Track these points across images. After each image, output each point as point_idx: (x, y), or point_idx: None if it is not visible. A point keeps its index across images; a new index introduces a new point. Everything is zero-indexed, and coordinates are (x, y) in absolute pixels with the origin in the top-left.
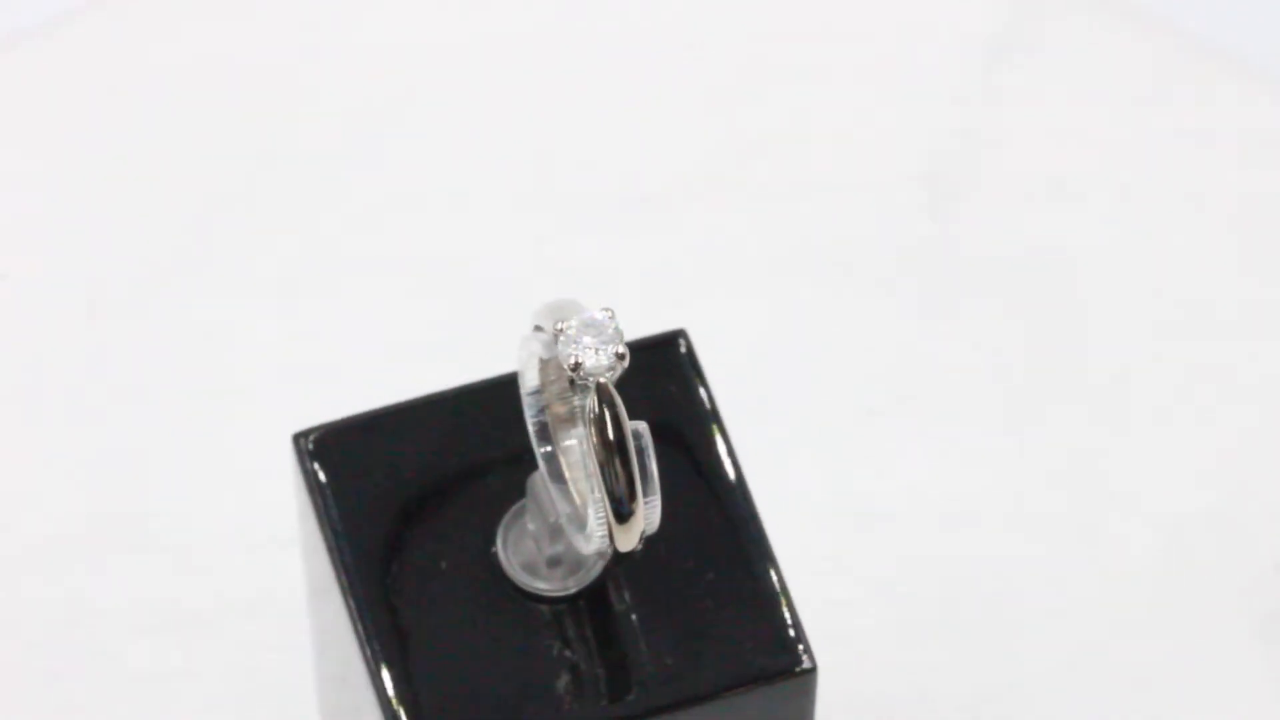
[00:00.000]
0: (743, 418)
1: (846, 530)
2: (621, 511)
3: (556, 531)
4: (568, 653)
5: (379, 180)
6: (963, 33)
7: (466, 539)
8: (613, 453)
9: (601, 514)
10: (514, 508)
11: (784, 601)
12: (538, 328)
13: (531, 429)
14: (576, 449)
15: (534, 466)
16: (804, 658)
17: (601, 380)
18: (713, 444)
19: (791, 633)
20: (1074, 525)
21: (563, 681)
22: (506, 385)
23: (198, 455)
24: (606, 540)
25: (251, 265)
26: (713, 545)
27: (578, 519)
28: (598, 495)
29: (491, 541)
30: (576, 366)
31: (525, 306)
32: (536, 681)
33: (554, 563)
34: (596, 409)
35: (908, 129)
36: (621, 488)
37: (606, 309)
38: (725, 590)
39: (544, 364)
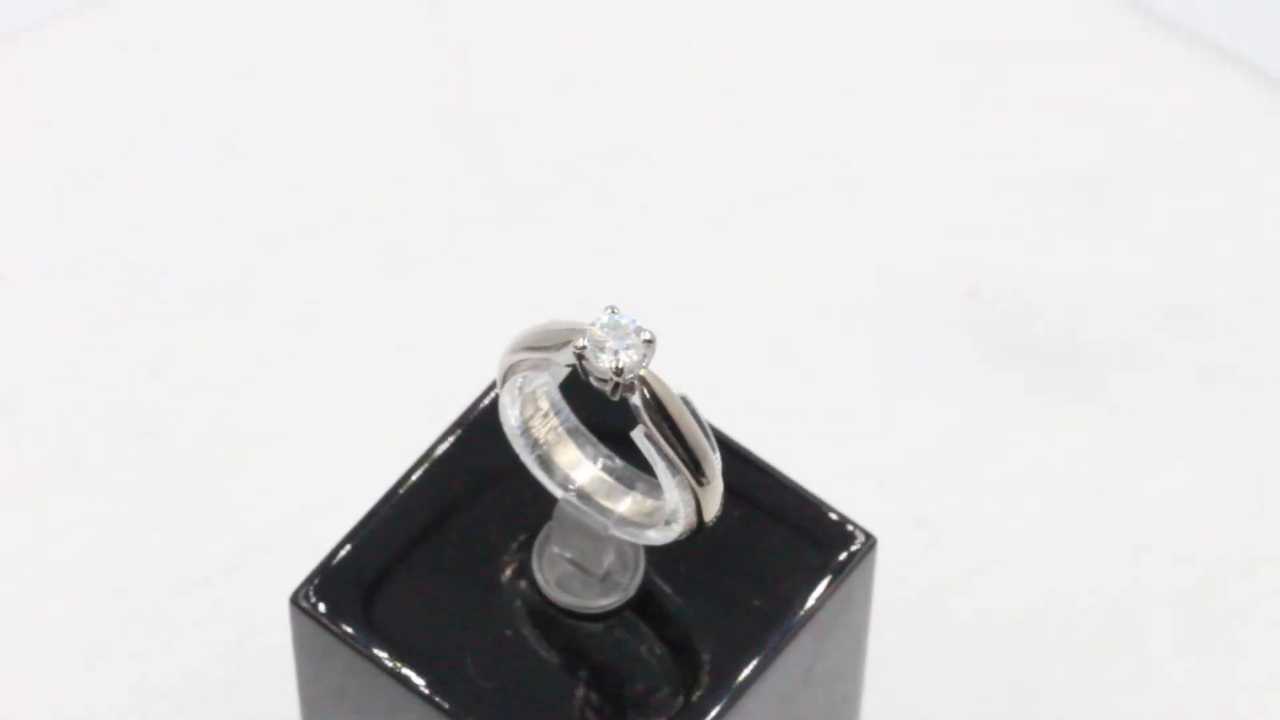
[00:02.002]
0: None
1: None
2: (703, 479)
3: (599, 549)
4: (639, 657)
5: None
6: None
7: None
8: (680, 430)
9: (687, 491)
10: (541, 533)
11: (812, 501)
12: (517, 362)
13: (534, 466)
14: (591, 468)
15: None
16: (858, 534)
17: (641, 373)
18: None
19: (834, 518)
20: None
21: (636, 683)
22: (469, 431)
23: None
24: (694, 516)
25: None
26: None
27: (634, 520)
28: (679, 477)
29: (525, 572)
30: (620, 371)
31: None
32: (608, 690)
33: (598, 579)
34: (650, 397)
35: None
36: (701, 456)
37: (608, 308)
38: (757, 523)
39: (524, 397)
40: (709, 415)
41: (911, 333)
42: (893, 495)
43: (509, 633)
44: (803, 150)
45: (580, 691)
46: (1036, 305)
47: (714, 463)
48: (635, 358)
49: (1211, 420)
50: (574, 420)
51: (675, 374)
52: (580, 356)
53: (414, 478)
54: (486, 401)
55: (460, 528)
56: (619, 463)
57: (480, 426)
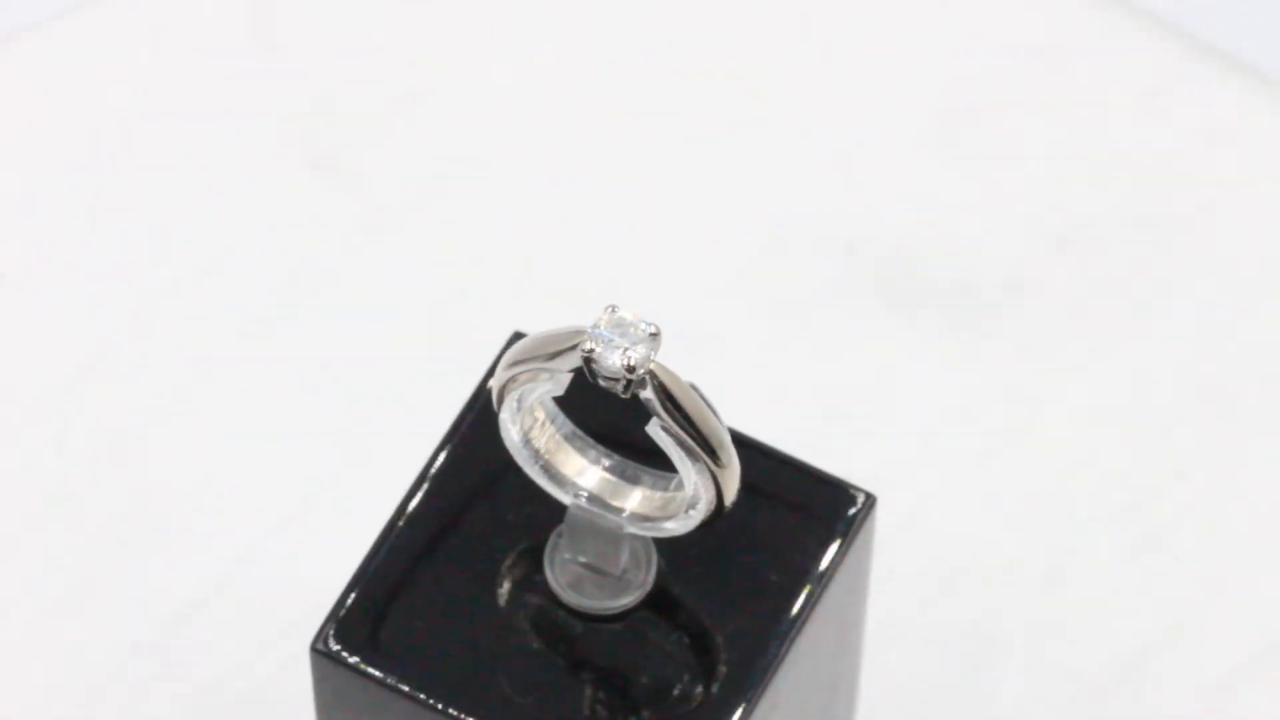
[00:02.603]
0: None
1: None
2: (721, 462)
3: (614, 548)
4: (536, 647)
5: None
6: None
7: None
8: (695, 418)
9: (707, 476)
10: (550, 541)
11: (806, 469)
12: (514, 377)
13: (539, 477)
14: (595, 470)
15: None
16: (858, 495)
17: (650, 367)
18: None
19: (831, 481)
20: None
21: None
22: (457, 449)
23: None
24: (714, 500)
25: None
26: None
27: (648, 515)
28: (698, 464)
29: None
30: (632, 368)
31: None
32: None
33: (616, 578)
34: (662, 390)
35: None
36: (717, 441)
37: (609, 307)
38: (755, 499)
39: (523, 411)
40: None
41: (807, 292)
42: (815, 453)
43: (535, 645)
44: (669, 130)
45: (616, 692)
46: (925, 250)
47: (730, 445)
48: (645, 352)
49: (1115, 338)
50: (570, 426)
51: None
52: (589, 359)
53: (412, 504)
54: (471, 418)
55: (464, 546)
56: (620, 461)
57: (468, 443)
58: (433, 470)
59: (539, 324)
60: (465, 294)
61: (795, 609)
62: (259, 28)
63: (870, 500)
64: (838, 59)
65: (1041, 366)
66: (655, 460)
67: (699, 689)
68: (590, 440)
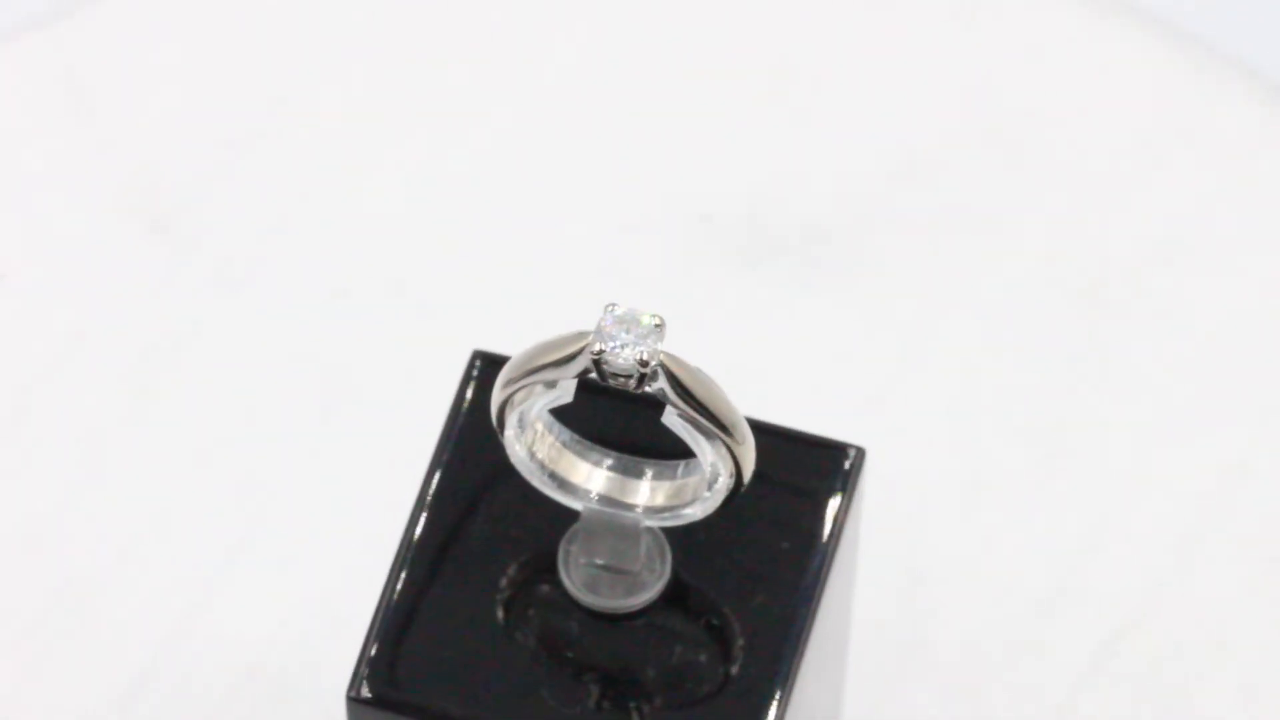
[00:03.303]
0: None
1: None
2: (738, 440)
3: (631, 545)
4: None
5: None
6: None
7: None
8: (708, 402)
9: (726, 455)
10: (562, 549)
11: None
12: (513, 394)
13: (548, 488)
14: (600, 471)
15: None
16: (849, 450)
17: (660, 358)
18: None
19: (818, 442)
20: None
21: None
22: (448, 472)
23: None
24: (734, 477)
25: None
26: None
27: (663, 505)
28: (716, 445)
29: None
30: (645, 362)
31: None
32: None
33: (635, 574)
34: (673, 378)
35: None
36: (732, 419)
37: (609, 306)
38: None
39: (528, 427)
40: None
41: (677, 264)
42: None
43: (569, 653)
44: (515, 130)
45: (658, 685)
46: (778, 207)
47: (743, 421)
48: (654, 345)
49: (974, 259)
50: (567, 432)
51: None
52: (598, 361)
53: (416, 534)
54: (455, 435)
55: (475, 565)
56: (620, 458)
57: (455, 466)
58: (429, 497)
59: (423, 349)
60: (330, 333)
61: (813, 572)
62: (74, 98)
63: (860, 454)
64: (667, 42)
65: (912, 300)
66: (652, 453)
67: (737, 666)
68: (588, 443)
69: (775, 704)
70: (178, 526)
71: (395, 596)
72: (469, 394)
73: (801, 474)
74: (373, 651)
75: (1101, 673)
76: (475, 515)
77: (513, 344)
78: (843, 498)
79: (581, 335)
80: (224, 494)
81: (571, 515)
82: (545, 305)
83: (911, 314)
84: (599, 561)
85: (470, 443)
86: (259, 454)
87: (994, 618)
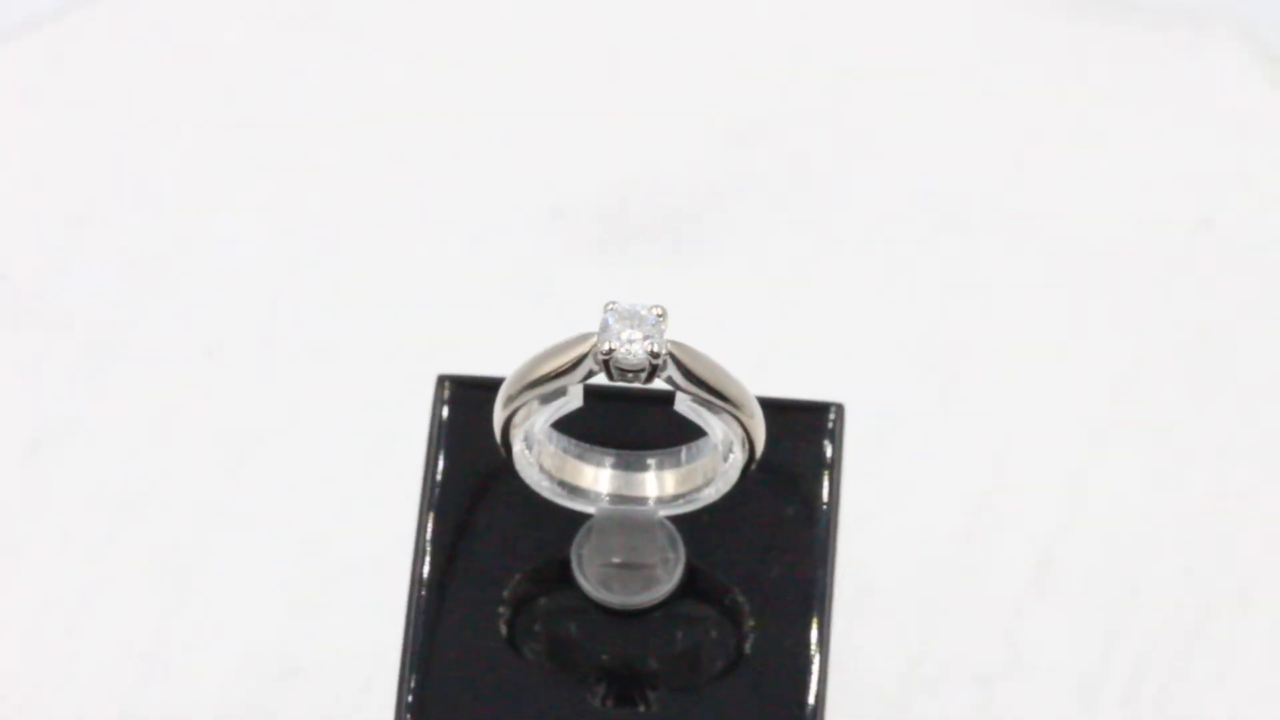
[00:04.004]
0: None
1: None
2: (749, 411)
3: (648, 538)
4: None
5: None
6: None
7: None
8: (716, 384)
9: (739, 431)
10: (574, 555)
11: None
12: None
13: (561, 499)
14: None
15: None
16: (829, 408)
17: (669, 348)
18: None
19: (798, 405)
20: None
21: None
22: (441, 510)
23: None
24: (747, 451)
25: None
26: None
27: (675, 493)
28: (728, 422)
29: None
30: (656, 355)
31: None
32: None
33: (654, 565)
34: (680, 365)
35: None
36: (741, 396)
37: (609, 304)
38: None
39: (537, 444)
40: None
41: (531, 259)
42: None
43: (604, 657)
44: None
45: (697, 670)
46: (624, 195)
47: (751, 394)
48: (662, 335)
49: (837, 210)
50: (564, 439)
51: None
52: (608, 360)
53: (424, 572)
54: (443, 470)
55: (489, 589)
56: (619, 454)
57: (449, 493)
58: (429, 536)
59: (313, 390)
60: (212, 398)
61: (821, 532)
62: None
63: (840, 410)
64: (490, 45)
65: (786, 260)
66: (649, 444)
67: (770, 638)
68: (585, 445)
69: (816, 668)
70: (103, 610)
71: (419, 641)
72: (444, 417)
73: (789, 438)
74: (410, 695)
75: (1041, 591)
76: (478, 540)
77: (411, 371)
78: (833, 455)
79: (584, 338)
80: (147, 569)
81: (575, 518)
82: (424, 325)
83: (789, 272)
84: (616, 560)
85: (457, 468)
86: (173, 523)
87: (925, 553)
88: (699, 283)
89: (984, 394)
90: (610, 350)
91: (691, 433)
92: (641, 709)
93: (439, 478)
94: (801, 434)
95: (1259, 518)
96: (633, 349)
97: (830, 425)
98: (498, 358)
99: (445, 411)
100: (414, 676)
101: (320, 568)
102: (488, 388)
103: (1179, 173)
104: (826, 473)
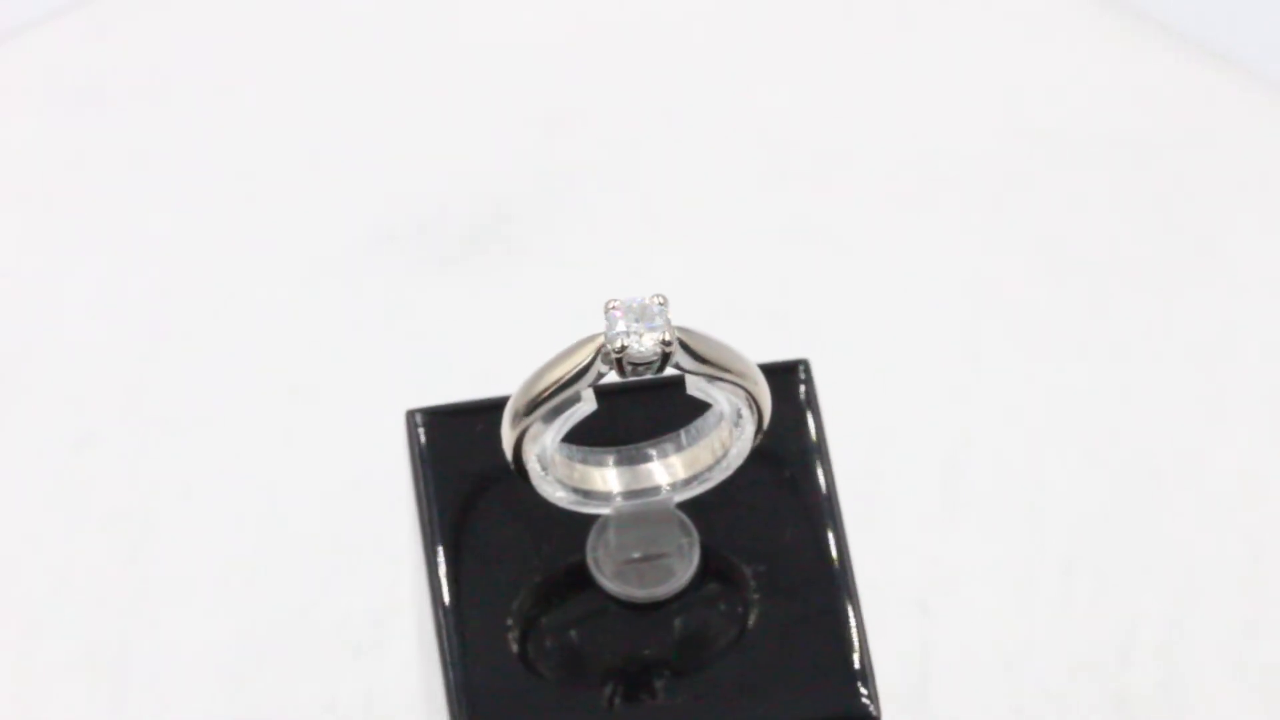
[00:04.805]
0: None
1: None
2: (756, 380)
3: (666, 528)
4: (649, 654)
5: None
6: None
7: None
8: (721, 361)
9: (748, 402)
10: (590, 556)
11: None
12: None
13: (580, 507)
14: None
15: None
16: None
17: (679, 335)
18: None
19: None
20: None
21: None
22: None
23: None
24: (757, 419)
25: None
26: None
27: (687, 477)
28: (735, 392)
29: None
30: (668, 343)
31: None
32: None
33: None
34: (688, 346)
35: None
36: (746, 368)
37: (609, 302)
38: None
39: (562, 463)
40: None
41: (372, 284)
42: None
43: (647, 652)
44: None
45: (739, 646)
46: (452, 209)
47: (753, 363)
48: (669, 323)
49: (645, 236)
50: (567, 447)
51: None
52: (620, 357)
53: (446, 600)
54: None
55: (519, 603)
56: (620, 450)
57: (449, 530)
58: (441, 572)
59: (207, 463)
60: (84, 481)
61: (824, 489)
62: None
63: (807, 365)
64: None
65: (594, 268)
66: (639, 435)
67: (800, 603)
68: (586, 449)
69: (854, 623)
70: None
71: (460, 673)
72: (423, 446)
73: (774, 401)
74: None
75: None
76: (489, 560)
77: (292, 423)
78: (814, 410)
79: (587, 341)
80: (75, 668)
81: (577, 519)
82: (287, 373)
83: (626, 252)
84: (636, 555)
85: (447, 498)
86: (90, 620)
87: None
88: (533, 281)
89: (850, 335)
90: (624, 347)
91: (678, 414)
92: (701, 691)
93: (437, 512)
94: (776, 396)
95: (1136, 408)
96: (643, 341)
97: (802, 381)
98: (369, 391)
99: (423, 441)
100: (465, 713)
101: (253, 632)
102: (455, 414)
103: (1003, 84)
104: (813, 427)
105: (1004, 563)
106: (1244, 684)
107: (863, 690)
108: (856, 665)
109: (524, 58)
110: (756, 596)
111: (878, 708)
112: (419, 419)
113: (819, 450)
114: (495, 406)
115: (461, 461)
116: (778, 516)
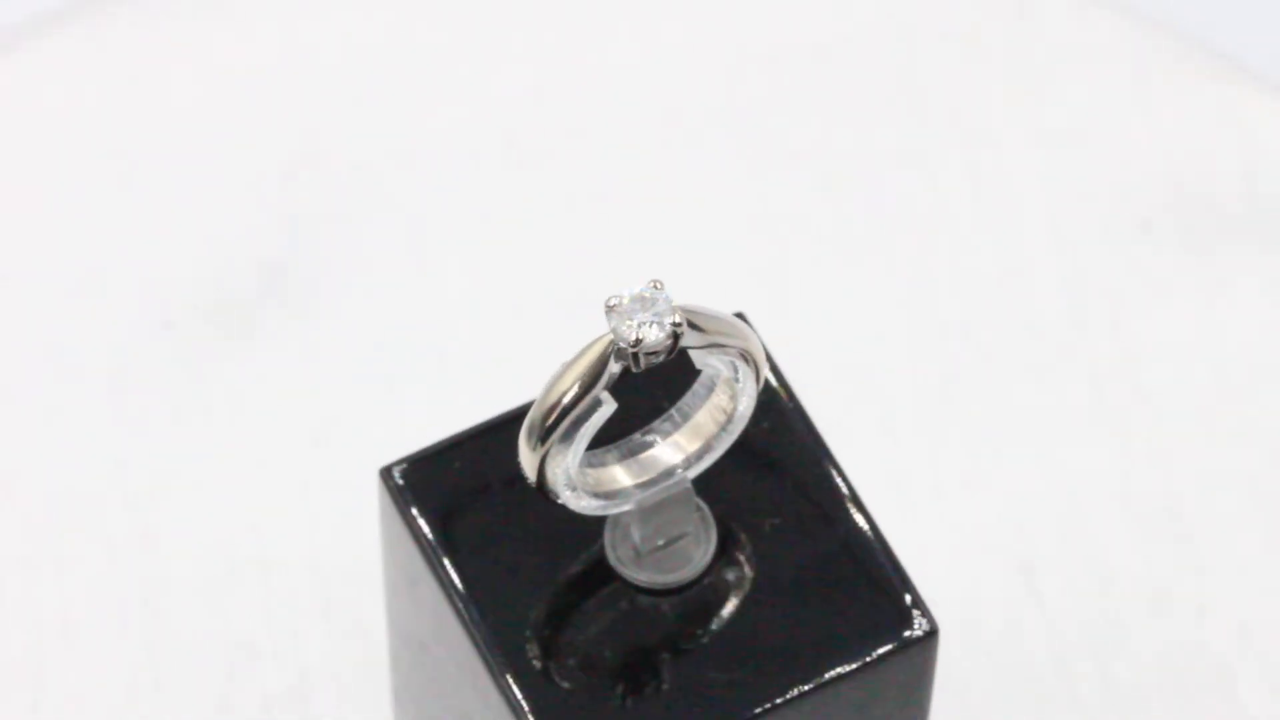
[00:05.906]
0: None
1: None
2: (748, 333)
3: (684, 511)
4: (685, 639)
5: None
6: None
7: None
8: (722, 333)
9: (747, 360)
10: (609, 548)
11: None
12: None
13: (604, 510)
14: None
15: None
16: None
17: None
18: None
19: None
20: None
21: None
22: (459, 558)
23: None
24: (756, 372)
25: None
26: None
27: (696, 451)
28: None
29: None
30: (679, 324)
31: None
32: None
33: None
34: (693, 323)
35: None
36: (742, 334)
37: (610, 299)
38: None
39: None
40: None
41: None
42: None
43: (682, 642)
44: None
45: (783, 603)
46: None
47: (741, 321)
48: (671, 307)
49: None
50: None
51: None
52: (635, 351)
53: (472, 615)
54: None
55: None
56: (622, 443)
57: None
58: (460, 591)
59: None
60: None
61: (811, 434)
62: None
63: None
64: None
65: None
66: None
67: (822, 545)
68: (587, 453)
69: (881, 547)
70: None
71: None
72: (409, 500)
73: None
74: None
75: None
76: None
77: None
78: (780, 381)
79: (594, 343)
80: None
81: (578, 519)
82: (106, 479)
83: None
84: (660, 541)
85: (448, 540)
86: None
87: None
88: (303, 342)
89: (688, 285)
90: (639, 340)
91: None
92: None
93: (446, 560)
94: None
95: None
96: (653, 330)
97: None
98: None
99: (409, 495)
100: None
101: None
102: (427, 458)
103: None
104: (775, 378)
105: None
106: None
107: (916, 612)
108: (899, 588)
109: (240, 114)
110: (786, 550)
111: (933, 621)
112: (396, 472)
113: (790, 397)
114: (462, 441)
115: (440, 502)
116: (773, 466)
